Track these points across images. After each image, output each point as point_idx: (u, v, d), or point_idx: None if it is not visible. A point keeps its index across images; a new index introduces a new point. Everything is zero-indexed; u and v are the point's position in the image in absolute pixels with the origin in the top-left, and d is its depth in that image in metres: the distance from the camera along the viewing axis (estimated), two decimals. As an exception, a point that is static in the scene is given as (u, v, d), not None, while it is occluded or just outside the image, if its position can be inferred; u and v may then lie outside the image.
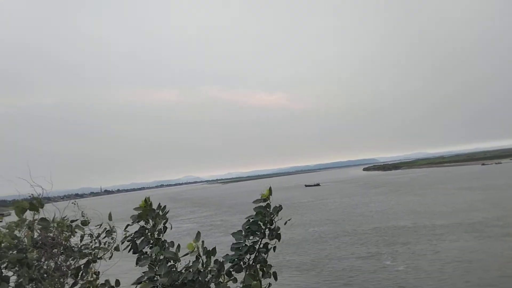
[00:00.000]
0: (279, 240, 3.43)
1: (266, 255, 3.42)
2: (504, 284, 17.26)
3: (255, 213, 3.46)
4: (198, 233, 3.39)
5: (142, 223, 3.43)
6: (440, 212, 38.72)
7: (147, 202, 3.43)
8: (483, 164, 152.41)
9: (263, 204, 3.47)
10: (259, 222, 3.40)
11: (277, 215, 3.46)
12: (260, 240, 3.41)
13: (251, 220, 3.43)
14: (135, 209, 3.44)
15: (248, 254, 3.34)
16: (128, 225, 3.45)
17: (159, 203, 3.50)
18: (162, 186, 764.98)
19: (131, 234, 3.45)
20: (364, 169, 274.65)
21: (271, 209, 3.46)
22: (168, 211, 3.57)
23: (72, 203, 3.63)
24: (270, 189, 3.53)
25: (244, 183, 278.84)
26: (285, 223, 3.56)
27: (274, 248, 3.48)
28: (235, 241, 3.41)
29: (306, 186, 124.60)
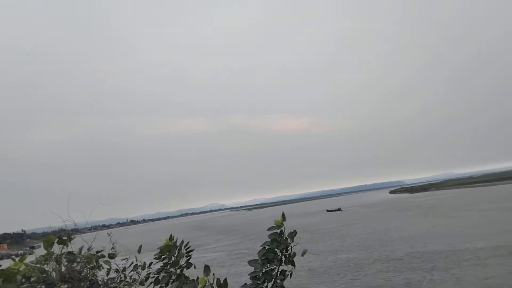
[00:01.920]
0: (294, 267, 3.44)
1: (282, 282, 3.37)
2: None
3: (270, 240, 3.44)
4: (206, 267, 3.34)
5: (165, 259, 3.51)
6: (478, 234, 36.66)
7: (171, 239, 3.51)
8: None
9: (277, 230, 3.47)
10: (275, 249, 3.38)
11: (292, 241, 3.48)
12: (277, 267, 3.37)
13: (266, 248, 3.39)
14: (159, 248, 3.54)
15: (266, 282, 3.28)
16: (151, 263, 3.57)
17: (182, 240, 3.54)
18: (186, 214, 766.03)
19: (155, 270, 3.53)
20: (391, 192, 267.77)
21: (285, 235, 3.44)
22: (192, 249, 3.65)
23: (108, 234, 3.89)
24: (283, 215, 3.53)
25: (268, 209, 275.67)
26: (302, 255, 3.66)
27: (291, 274, 3.46)
28: (252, 270, 3.36)
29: (327, 211, 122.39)
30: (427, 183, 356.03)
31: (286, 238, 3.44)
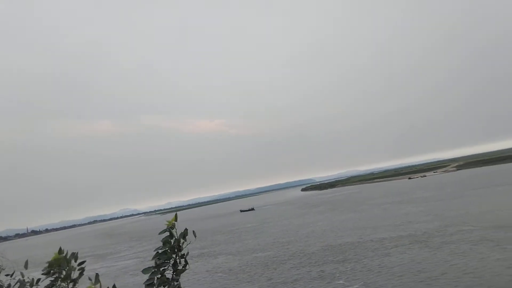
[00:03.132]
0: (187, 265, 3.40)
1: (179, 283, 3.34)
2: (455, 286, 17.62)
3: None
4: (97, 275, 3.21)
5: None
6: (382, 226, 39.84)
7: (61, 252, 3.29)
8: (409, 178, 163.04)
9: (169, 232, 3.42)
10: (168, 251, 3.32)
11: (185, 240, 3.41)
12: (172, 270, 3.33)
13: (159, 252, 3.32)
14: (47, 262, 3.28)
15: (162, 287, 3.23)
16: (39, 279, 3.32)
17: (73, 252, 3.33)
18: (95, 222, 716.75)
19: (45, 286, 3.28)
20: (302, 190, 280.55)
21: (177, 236, 3.40)
22: (84, 261, 3.40)
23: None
24: (176, 216, 3.50)
25: (184, 212, 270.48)
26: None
27: (182, 271, 3.43)
28: (147, 278, 3.26)
29: (241, 211, 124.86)
30: (334, 180, 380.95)
31: (178, 239, 3.35)
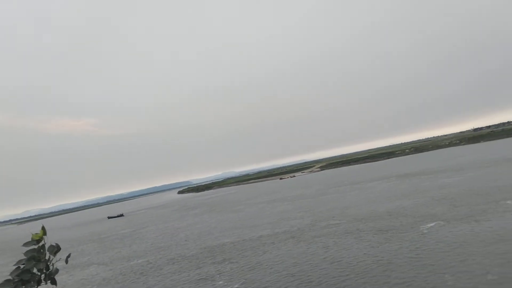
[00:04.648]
0: (56, 285, 3.12)
1: None
2: (325, 276, 18.87)
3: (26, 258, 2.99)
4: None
5: None
6: (259, 224, 41.19)
7: None
8: (281, 179, 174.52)
9: (36, 246, 3.02)
10: (32, 269, 2.91)
11: (54, 256, 3.11)
12: None
13: (21, 267, 2.89)
14: None
15: None
16: None
17: None
18: None
19: None
20: (179, 192, 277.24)
21: (46, 250, 3.06)
22: None
23: None
24: (43, 229, 3.14)
25: (46, 220, 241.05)
26: (66, 261, 3.32)
27: None
28: None
29: (109, 218, 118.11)
30: (211, 182, 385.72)
31: (45, 254, 3.04)
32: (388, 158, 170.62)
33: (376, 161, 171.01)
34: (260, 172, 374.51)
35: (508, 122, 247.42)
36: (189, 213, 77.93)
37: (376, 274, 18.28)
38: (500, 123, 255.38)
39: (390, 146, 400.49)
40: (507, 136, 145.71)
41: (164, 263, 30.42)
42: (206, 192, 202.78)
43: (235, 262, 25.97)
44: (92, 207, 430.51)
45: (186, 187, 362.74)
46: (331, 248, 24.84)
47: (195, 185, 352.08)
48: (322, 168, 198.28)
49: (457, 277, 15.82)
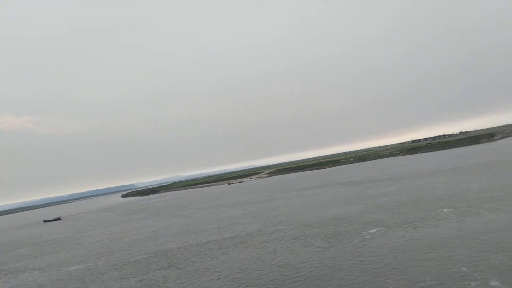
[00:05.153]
0: None
1: None
2: (272, 282, 18.98)
3: None
4: None
5: None
6: (207, 230, 40.68)
7: None
8: (229, 184, 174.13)
9: None
10: None
11: None
12: None
13: None
14: None
15: None
16: None
17: None
18: None
19: None
20: (123, 196, 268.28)
21: None
22: None
23: None
24: None
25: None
26: None
27: None
28: None
29: (44, 221, 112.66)
30: (158, 185, 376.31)
31: None
32: (334, 166, 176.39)
33: (323, 168, 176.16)
34: (208, 177, 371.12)
35: (444, 135, 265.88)
36: (133, 217, 75.36)
37: (321, 278, 18.69)
38: (436, 136, 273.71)
39: (336, 154, 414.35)
40: (442, 148, 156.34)
41: (105, 269, 29.04)
42: (152, 196, 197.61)
43: (182, 268, 25.38)
44: (29, 210, 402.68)
45: (130, 191, 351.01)
46: (278, 253, 25.06)
47: (140, 189, 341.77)
48: (271, 174, 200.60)
49: (398, 281, 16.57)
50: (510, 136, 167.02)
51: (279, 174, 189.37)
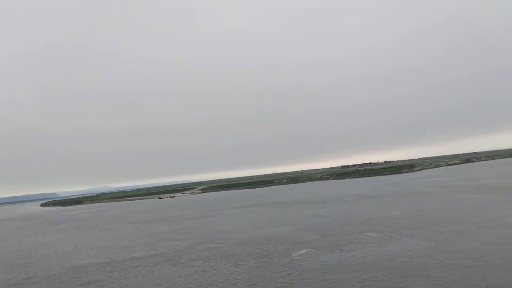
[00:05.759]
0: None
1: None
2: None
3: None
4: None
5: None
6: (132, 245, 38.81)
7: None
8: (159, 198, 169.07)
9: None
10: None
11: None
12: None
13: None
14: None
15: None
16: None
17: None
18: None
19: None
20: (42, 205, 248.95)
21: None
22: None
23: None
24: None
25: None
26: None
27: None
28: None
29: None
30: (82, 196, 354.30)
31: None
32: (268, 186, 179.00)
33: (256, 187, 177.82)
34: (138, 190, 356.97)
35: (370, 163, 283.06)
36: (53, 228, 70.03)
37: (250, 299, 18.59)
38: (363, 163, 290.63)
39: (270, 174, 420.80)
40: (368, 175, 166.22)
41: (18, 284, 26.43)
42: (75, 206, 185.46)
43: (103, 286, 23.86)
44: None
45: (51, 200, 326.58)
46: (207, 272, 24.55)
47: (62, 198, 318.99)
48: (204, 190, 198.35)
49: (323, 302, 17.00)
50: (428, 168, 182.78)
51: (213, 191, 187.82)
